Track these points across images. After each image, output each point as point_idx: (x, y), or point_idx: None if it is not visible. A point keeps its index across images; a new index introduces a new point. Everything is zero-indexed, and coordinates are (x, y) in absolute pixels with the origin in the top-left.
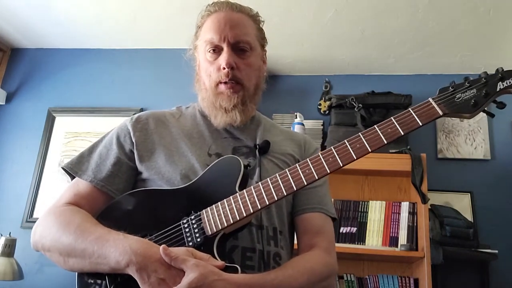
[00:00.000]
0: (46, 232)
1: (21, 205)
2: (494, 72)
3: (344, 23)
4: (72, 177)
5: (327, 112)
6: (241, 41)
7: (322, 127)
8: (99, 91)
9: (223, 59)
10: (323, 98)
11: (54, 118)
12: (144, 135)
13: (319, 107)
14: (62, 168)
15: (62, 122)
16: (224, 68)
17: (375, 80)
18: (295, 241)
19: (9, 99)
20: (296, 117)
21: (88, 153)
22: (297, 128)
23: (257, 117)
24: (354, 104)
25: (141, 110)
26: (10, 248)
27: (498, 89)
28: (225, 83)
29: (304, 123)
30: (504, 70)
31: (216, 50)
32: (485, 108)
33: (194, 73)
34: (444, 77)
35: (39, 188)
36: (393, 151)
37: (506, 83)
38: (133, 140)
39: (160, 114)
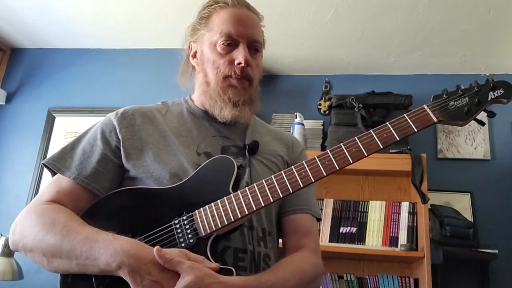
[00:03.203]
0: (28, 231)
1: (21, 205)
2: (485, 82)
3: (344, 23)
4: (54, 173)
5: (327, 112)
6: (257, 41)
7: (322, 127)
8: (99, 91)
9: (241, 55)
10: (323, 98)
11: (54, 118)
12: (131, 132)
13: (319, 107)
14: (43, 164)
15: (62, 122)
16: (239, 64)
17: (375, 80)
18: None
19: (9, 99)
20: (296, 117)
21: (70, 148)
22: (297, 128)
23: None
24: (354, 104)
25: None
26: (10, 248)
27: (489, 99)
28: (236, 78)
29: (304, 123)
30: (495, 80)
31: (231, 44)
32: (477, 117)
33: (184, 63)
34: (444, 77)
35: (39, 188)
36: (393, 151)
37: (497, 93)
38: (119, 137)
39: (146, 109)
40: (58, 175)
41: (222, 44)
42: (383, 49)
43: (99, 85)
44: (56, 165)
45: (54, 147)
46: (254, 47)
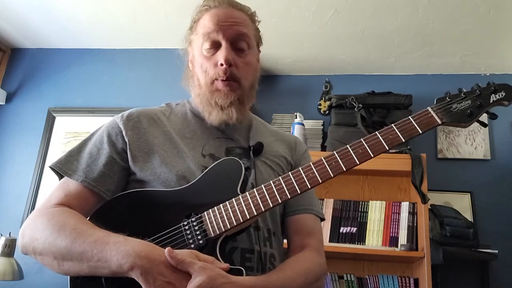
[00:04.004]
0: (38, 235)
1: (21, 205)
2: (486, 85)
3: (344, 23)
4: (61, 177)
5: (327, 112)
6: (241, 39)
7: (322, 127)
8: (99, 91)
9: (221, 55)
10: (323, 98)
11: (54, 118)
12: (137, 134)
13: (319, 107)
14: (50, 167)
15: (62, 122)
16: (221, 65)
17: (375, 80)
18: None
19: (9, 99)
20: (296, 117)
21: (77, 151)
22: (297, 128)
23: (248, 116)
24: (354, 104)
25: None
26: (10, 248)
27: (491, 101)
28: (222, 80)
29: (304, 123)
30: (496, 83)
31: (214, 45)
32: (479, 119)
33: (185, 68)
34: (444, 77)
35: (39, 188)
36: (393, 151)
37: (498, 95)
38: (126, 140)
39: (150, 112)
40: (65, 179)
41: (206, 47)
42: (383, 49)
43: (99, 85)
44: (63, 168)
45: (54, 147)
46: (239, 45)
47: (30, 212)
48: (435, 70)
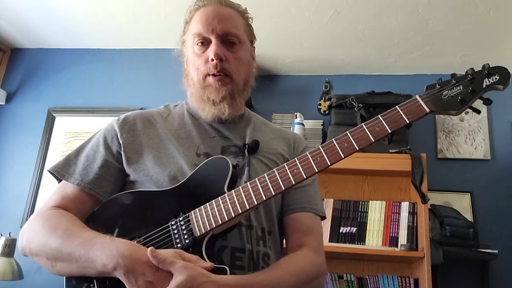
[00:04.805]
0: (33, 237)
1: (21, 205)
2: (480, 69)
3: (344, 23)
4: (59, 180)
5: (327, 112)
6: (230, 34)
7: (322, 127)
8: (99, 91)
9: (211, 50)
10: (323, 98)
11: (54, 118)
12: (132, 137)
13: (319, 107)
14: (49, 171)
15: (62, 122)
16: (212, 60)
17: (375, 80)
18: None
19: (9, 99)
20: (296, 117)
21: (75, 155)
22: (297, 128)
23: (247, 115)
24: (354, 104)
25: (141, 110)
26: (10, 248)
27: (484, 86)
28: (214, 75)
29: (304, 123)
30: (490, 66)
31: (205, 43)
32: (472, 105)
33: (182, 69)
34: (444, 77)
35: (39, 188)
36: (393, 151)
37: (492, 79)
38: (121, 142)
39: (147, 114)
40: (63, 182)
41: (196, 44)
42: (383, 49)
43: (99, 85)
44: (60, 172)
45: (54, 147)
46: (229, 40)
47: (30, 212)
48: (435, 70)
